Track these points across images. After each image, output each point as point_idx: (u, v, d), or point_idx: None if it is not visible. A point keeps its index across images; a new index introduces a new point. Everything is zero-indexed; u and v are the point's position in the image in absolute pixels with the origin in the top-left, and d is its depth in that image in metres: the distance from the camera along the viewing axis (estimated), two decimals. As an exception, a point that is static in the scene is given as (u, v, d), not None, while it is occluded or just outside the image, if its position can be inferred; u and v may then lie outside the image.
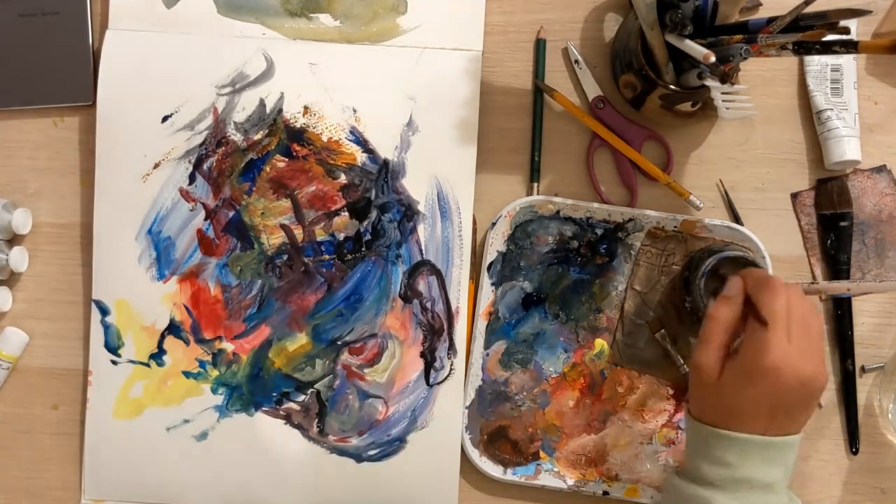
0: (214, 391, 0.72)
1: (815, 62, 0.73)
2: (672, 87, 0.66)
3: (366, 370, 0.72)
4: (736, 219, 0.73)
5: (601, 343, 0.72)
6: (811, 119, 0.73)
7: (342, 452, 0.72)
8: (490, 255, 0.71)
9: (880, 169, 0.73)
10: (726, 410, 0.56)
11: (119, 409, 0.72)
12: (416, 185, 0.72)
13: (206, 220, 0.72)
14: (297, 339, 0.72)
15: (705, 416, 0.57)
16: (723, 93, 0.62)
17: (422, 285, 0.72)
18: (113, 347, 0.72)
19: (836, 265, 0.72)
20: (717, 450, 0.56)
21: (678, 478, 0.58)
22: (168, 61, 0.72)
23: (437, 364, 0.71)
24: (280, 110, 0.72)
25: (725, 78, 0.60)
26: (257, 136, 0.72)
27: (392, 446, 0.71)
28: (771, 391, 0.54)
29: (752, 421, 0.55)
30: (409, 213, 0.72)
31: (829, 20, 0.57)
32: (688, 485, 0.57)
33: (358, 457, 0.71)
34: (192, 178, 0.72)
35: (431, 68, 0.72)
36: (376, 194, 0.72)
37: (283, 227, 0.72)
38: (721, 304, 0.58)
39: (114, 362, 0.72)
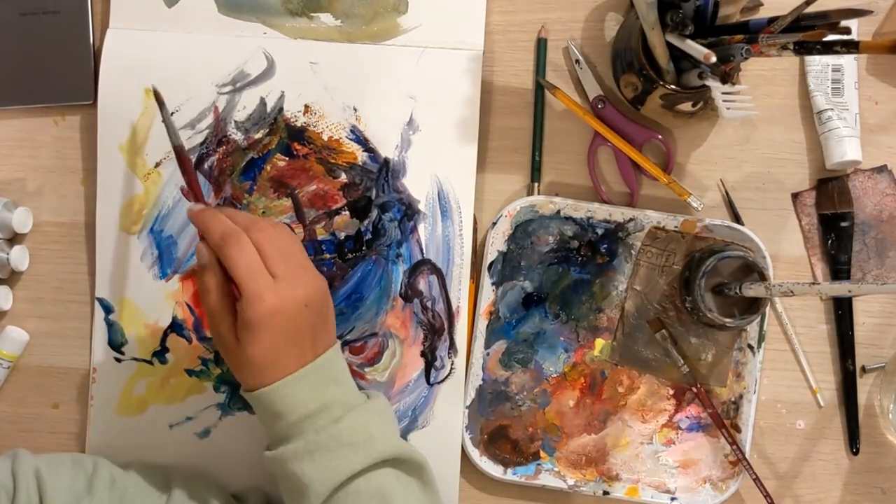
0: (217, 389, 0.72)
1: (816, 62, 0.73)
2: (673, 86, 0.66)
3: (366, 369, 0.72)
4: (736, 219, 0.73)
5: (601, 343, 0.72)
6: (812, 119, 0.73)
7: (343, 451, 0.72)
8: (491, 255, 0.71)
9: (881, 169, 0.73)
10: (259, 368, 0.55)
11: (122, 406, 0.72)
12: (416, 184, 0.72)
13: (207, 219, 0.72)
14: (297, 338, 0.72)
15: (250, 382, 0.56)
16: (723, 93, 0.62)
17: (422, 284, 0.72)
18: (117, 345, 0.72)
19: (837, 265, 0.72)
20: (276, 405, 0.56)
21: (265, 453, 0.58)
22: (169, 60, 0.72)
23: (437, 363, 0.71)
24: (281, 109, 0.72)
25: (726, 78, 0.60)
26: (258, 135, 0.72)
27: (392, 445, 0.71)
28: (282, 330, 0.55)
29: (284, 361, 0.56)
30: (409, 212, 0.72)
31: (830, 20, 0.57)
32: (272, 454, 0.57)
33: (358, 456, 0.72)
34: (192, 177, 0.72)
35: (432, 67, 0.72)
36: (377, 193, 0.72)
37: (283, 226, 0.72)
38: (202, 275, 0.57)
39: (117, 360, 0.72)
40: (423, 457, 0.61)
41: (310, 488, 0.55)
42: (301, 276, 0.56)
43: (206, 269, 0.57)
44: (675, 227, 0.71)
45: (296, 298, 0.55)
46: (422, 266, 0.72)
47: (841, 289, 0.63)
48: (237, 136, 0.72)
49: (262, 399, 0.56)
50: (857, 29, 0.72)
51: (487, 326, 0.72)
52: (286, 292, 0.55)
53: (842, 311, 0.72)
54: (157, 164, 0.72)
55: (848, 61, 0.73)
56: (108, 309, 0.72)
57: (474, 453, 0.71)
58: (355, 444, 0.56)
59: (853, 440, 0.72)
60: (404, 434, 0.71)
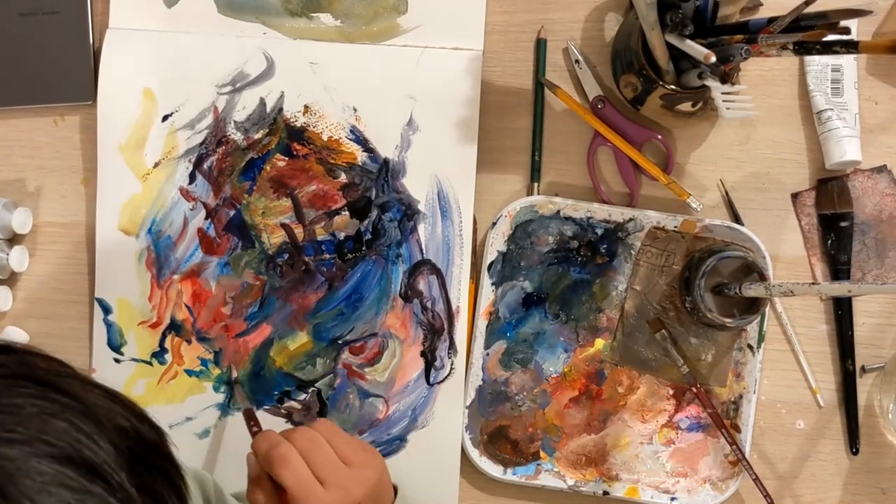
0: (216, 389, 0.72)
1: (816, 62, 0.73)
2: (672, 87, 0.66)
3: (366, 369, 0.72)
4: (736, 219, 0.73)
5: (601, 343, 0.72)
6: (811, 119, 0.73)
7: (342, 451, 0.72)
8: (490, 255, 0.71)
9: (881, 169, 0.73)
10: None
11: (121, 408, 0.72)
12: (416, 185, 0.72)
13: (206, 219, 0.72)
14: (298, 338, 0.72)
15: None
16: (723, 93, 0.62)
17: (422, 285, 0.72)
18: (116, 346, 0.72)
19: (837, 265, 0.72)
20: None
21: None
22: (168, 60, 0.72)
23: (437, 363, 0.71)
24: (280, 109, 0.72)
25: (726, 78, 0.60)
26: (258, 136, 0.72)
27: (392, 445, 0.71)
28: None
29: None
30: (409, 212, 0.72)
31: (830, 20, 0.57)
32: None
33: (358, 456, 0.71)
34: (192, 178, 0.72)
35: (432, 68, 0.72)
36: (377, 193, 0.72)
37: (283, 226, 0.72)
38: (252, 490, 0.56)
39: (116, 360, 0.72)
40: None
41: None
42: (351, 476, 0.55)
43: (254, 483, 0.57)
44: (675, 227, 0.71)
45: (352, 501, 0.55)
46: (421, 266, 0.72)
47: (841, 289, 0.64)
48: (237, 136, 0.72)
49: None
50: (856, 29, 0.72)
51: (487, 327, 0.72)
52: (338, 499, 0.54)
53: (841, 312, 0.72)
54: (157, 164, 0.72)
55: (847, 61, 0.73)
56: (107, 309, 0.72)
57: (474, 453, 0.71)
58: None
59: (853, 440, 0.72)
60: (404, 434, 0.71)
